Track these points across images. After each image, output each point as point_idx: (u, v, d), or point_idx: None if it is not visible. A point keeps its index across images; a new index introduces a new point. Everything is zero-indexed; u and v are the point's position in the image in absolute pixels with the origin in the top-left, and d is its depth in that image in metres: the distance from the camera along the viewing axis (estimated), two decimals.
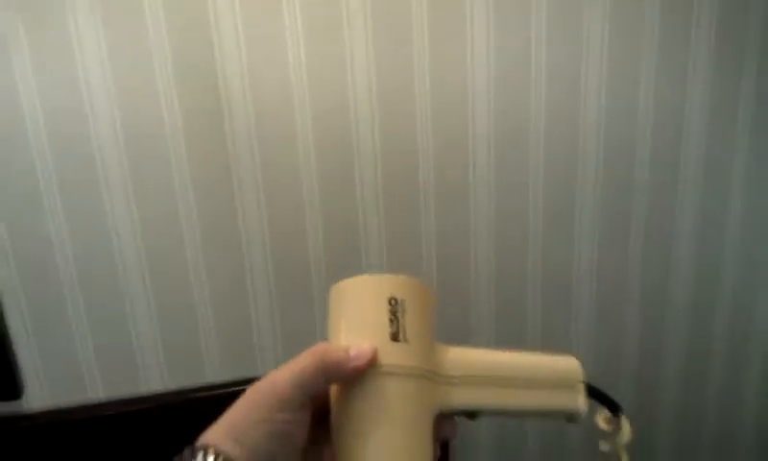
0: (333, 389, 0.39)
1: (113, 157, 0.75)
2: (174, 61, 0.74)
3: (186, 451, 0.35)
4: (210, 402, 0.65)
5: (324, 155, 0.81)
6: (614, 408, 0.46)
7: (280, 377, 0.36)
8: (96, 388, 0.83)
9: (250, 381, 0.37)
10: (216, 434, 0.36)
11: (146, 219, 0.78)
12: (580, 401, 0.44)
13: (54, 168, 0.74)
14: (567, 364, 0.45)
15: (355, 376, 0.37)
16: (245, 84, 0.76)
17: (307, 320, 0.87)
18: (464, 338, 0.96)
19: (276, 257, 0.84)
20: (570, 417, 0.44)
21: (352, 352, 0.37)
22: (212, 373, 0.85)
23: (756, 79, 0.90)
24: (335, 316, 0.40)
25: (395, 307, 0.39)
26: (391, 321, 0.38)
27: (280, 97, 0.78)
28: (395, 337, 0.38)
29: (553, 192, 0.90)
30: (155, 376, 0.84)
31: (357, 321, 0.39)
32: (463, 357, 0.42)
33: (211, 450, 0.34)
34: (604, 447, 0.47)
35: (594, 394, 0.45)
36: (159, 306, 0.82)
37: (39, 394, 0.81)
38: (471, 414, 0.42)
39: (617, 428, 0.46)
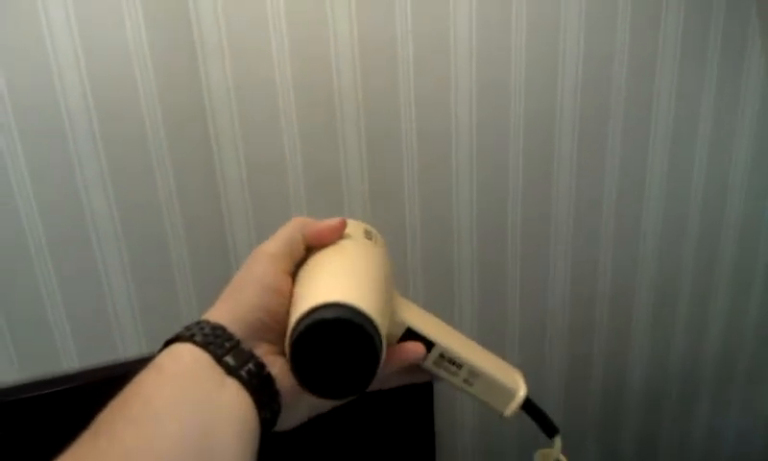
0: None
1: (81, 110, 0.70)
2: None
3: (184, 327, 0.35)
4: None
5: (304, 105, 0.77)
6: (550, 430, 0.48)
7: (266, 243, 0.39)
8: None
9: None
10: (212, 314, 0.36)
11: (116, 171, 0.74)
12: (511, 406, 0.46)
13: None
14: (512, 368, 0.48)
15: (326, 239, 0.41)
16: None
17: None
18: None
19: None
20: (504, 402, 0.46)
21: (328, 220, 0.41)
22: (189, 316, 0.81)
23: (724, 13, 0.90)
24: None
25: (369, 234, 0.43)
26: (366, 232, 0.43)
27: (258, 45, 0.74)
28: (368, 236, 0.43)
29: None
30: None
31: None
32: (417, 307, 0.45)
33: (206, 321, 0.35)
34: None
35: (532, 411, 0.47)
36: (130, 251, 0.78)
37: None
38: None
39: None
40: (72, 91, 0.69)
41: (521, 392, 0.46)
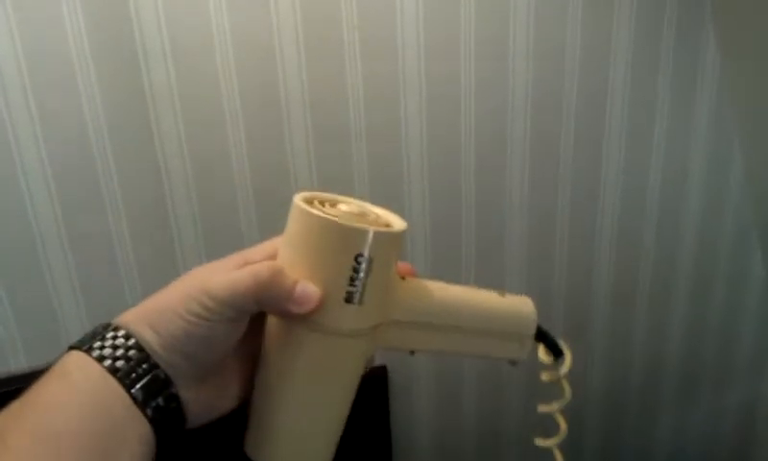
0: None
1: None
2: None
3: (97, 328, 0.33)
4: None
5: (249, 102, 0.77)
6: (558, 352, 0.46)
7: (215, 286, 0.32)
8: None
9: None
10: (131, 317, 0.33)
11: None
12: (525, 353, 0.43)
13: None
14: (521, 316, 0.43)
15: (292, 312, 0.34)
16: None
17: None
18: None
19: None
20: (513, 362, 0.44)
21: (297, 292, 0.33)
22: None
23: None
24: (295, 238, 0.35)
25: (359, 267, 0.34)
26: (351, 280, 0.34)
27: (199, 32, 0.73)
28: (349, 299, 0.34)
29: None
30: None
31: (316, 262, 0.34)
32: (414, 299, 0.39)
33: (122, 331, 0.32)
34: (545, 377, 0.47)
35: (540, 336, 0.44)
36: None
37: None
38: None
39: (559, 361, 0.46)
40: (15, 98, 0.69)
41: (526, 352, 0.44)
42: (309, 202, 0.36)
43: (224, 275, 0.33)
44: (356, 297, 0.34)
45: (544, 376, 0.47)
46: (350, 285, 0.34)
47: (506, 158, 0.89)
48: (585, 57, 0.87)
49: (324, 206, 0.36)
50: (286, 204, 0.36)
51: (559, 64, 0.87)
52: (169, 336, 0.32)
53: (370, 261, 0.33)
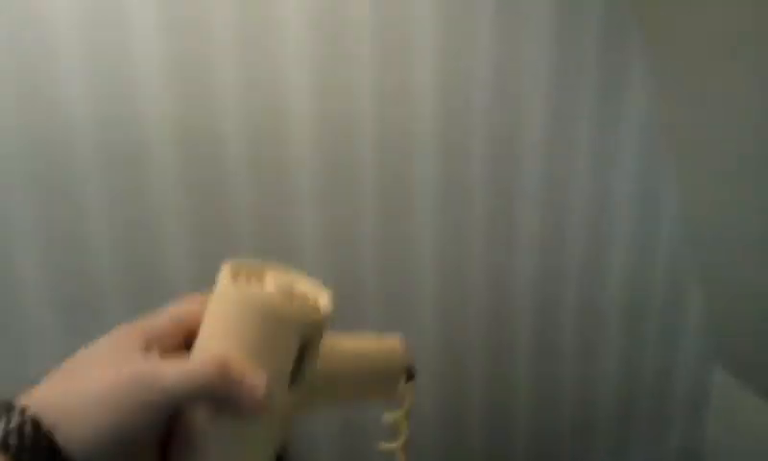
0: None
1: None
2: None
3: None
4: None
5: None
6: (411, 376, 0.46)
7: (168, 378, 0.29)
8: None
9: None
10: (42, 399, 0.28)
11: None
12: (400, 389, 0.45)
13: None
14: (401, 355, 0.45)
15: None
16: None
17: None
18: None
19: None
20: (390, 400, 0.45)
21: (246, 386, 0.31)
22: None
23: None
24: (232, 324, 0.33)
25: (303, 352, 0.35)
26: (298, 363, 0.35)
27: None
28: (293, 380, 0.35)
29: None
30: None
31: (261, 350, 0.33)
32: (324, 364, 0.39)
33: (30, 413, 0.27)
34: (389, 416, 0.46)
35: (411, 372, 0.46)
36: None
37: None
38: None
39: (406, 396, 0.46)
40: None
41: (399, 392, 0.45)
42: (236, 275, 0.35)
43: (172, 364, 0.30)
44: (299, 379, 0.35)
45: (388, 416, 0.46)
46: (297, 369, 0.34)
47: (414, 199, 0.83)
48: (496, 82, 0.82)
49: (250, 280, 0.35)
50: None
51: (468, 93, 0.81)
52: (91, 428, 0.28)
53: (311, 343, 0.35)
